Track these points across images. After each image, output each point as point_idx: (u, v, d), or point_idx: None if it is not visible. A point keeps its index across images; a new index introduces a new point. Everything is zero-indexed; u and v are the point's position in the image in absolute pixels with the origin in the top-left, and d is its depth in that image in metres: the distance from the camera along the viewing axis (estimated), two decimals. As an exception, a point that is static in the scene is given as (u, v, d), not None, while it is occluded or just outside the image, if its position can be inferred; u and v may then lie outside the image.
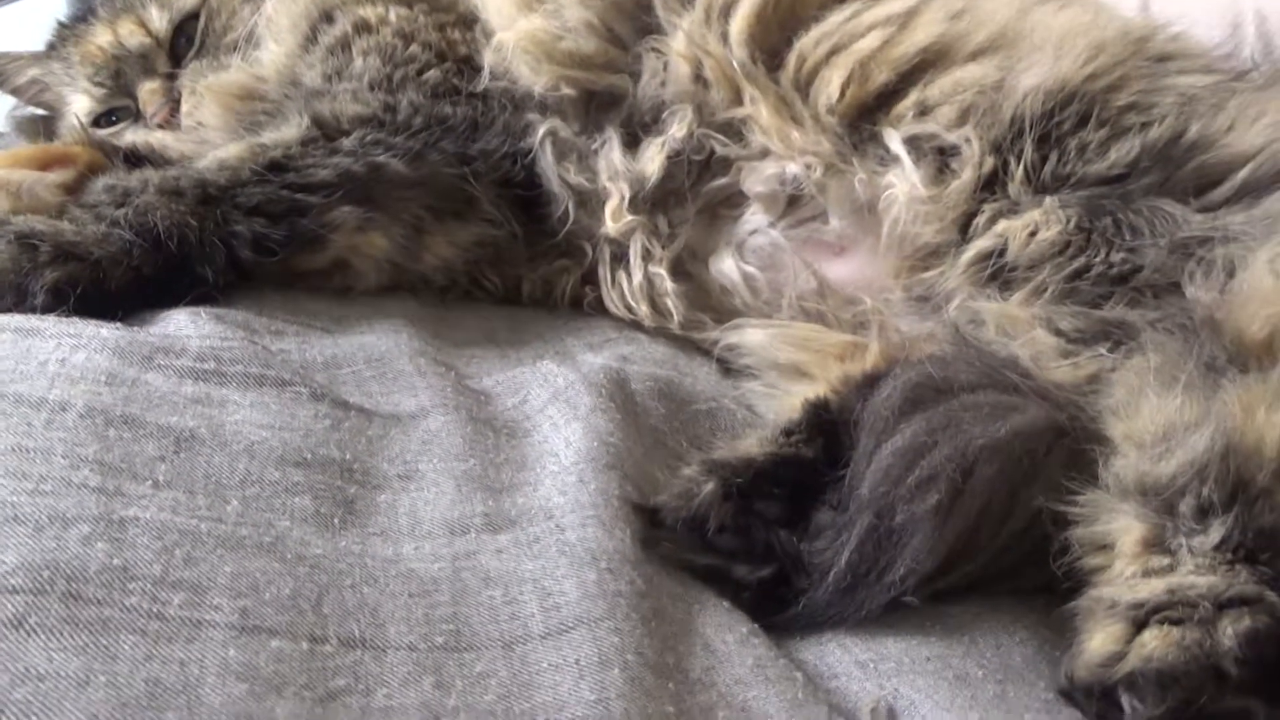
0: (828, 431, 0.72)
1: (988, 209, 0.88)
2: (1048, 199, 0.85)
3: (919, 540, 0.63)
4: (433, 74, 1.06)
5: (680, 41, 0.98)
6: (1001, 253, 0.85)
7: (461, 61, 1.10)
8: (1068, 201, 0.85)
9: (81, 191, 0.84)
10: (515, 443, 0.72)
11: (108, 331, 0.71)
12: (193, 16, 1.19)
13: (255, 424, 0.65)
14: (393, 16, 1.12)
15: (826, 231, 0.97)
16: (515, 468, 0.69)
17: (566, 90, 1.01)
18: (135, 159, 0.93)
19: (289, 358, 0.76)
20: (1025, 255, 0.84)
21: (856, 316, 0.93)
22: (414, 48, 1.09)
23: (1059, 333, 0.78)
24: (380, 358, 0.79)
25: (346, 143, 0.94)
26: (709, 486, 0.68)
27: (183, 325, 0.75)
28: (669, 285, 0.99)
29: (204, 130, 1.11)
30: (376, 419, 0.71)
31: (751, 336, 0.93)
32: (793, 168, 0.95)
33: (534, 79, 1.02)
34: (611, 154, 1.00)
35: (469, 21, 1.15)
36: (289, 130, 0.96)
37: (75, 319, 0.72)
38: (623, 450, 0.70)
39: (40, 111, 1.30)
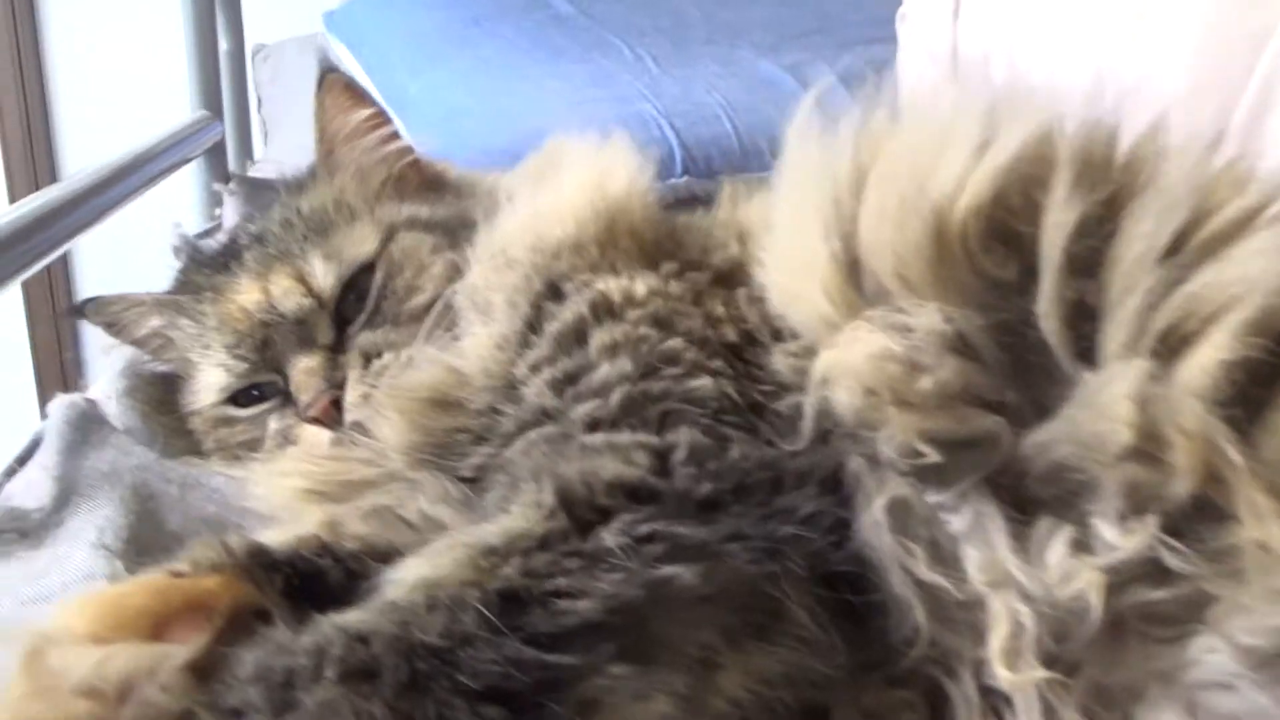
0: None
1: None
2: None
3: None
4: (705, 385, 0.73)
5: (1122, 392, 0.63)
6: None
7: (729, 351, 0.77)
8: None
9: (220, 670, 0.51)
10: None
11: None
12: (367, 269, 0.90)
13: None
14: (641, 290, 0.79)
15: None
16: None
17: (930, 454, 0.66)
18: (304, 583, 0.61)
19: None
20: None
21: None
22: (674, 341, 0.75)
23: None
24: None
25: (608, 537, 0.61)
26: None
27: None
28: (1093, 775, 0.62)
29: (379, 443, 0.80)
30: None
31: None
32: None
33: (872, 428, 0.68)
34: (993, 549, 0.65)
35: (730, 282, 0.83)
36: (522, 514, 0.63)
37: None
38: None
39: (164, 368, 1.01)
